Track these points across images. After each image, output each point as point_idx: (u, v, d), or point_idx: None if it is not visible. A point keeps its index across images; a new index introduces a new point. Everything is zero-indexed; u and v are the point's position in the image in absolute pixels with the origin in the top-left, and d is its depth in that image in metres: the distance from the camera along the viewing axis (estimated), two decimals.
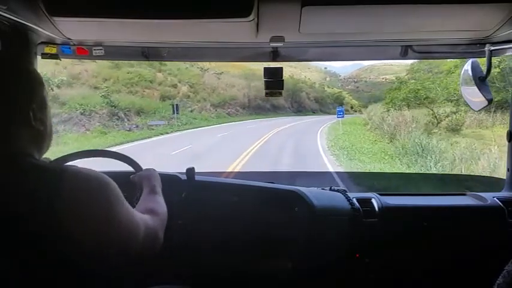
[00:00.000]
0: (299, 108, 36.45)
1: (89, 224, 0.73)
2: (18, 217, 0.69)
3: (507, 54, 1.45)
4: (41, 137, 0.84)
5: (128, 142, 14.26)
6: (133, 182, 1.20)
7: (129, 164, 1.35)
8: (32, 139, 0.81)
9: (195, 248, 1.48)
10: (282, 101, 32.22)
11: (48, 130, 0.86)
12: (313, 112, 38.36)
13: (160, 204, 1.02)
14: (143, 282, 1.24)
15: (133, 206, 0.95)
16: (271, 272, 1.49)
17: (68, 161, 1.29)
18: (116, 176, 1.38)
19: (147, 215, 0.91)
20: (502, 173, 2.21)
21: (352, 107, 42.29)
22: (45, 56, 1.41)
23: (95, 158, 1.38)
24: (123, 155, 1.36)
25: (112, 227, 0.76)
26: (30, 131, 0.80)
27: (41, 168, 0.75)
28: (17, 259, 0.70)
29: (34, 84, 0.83)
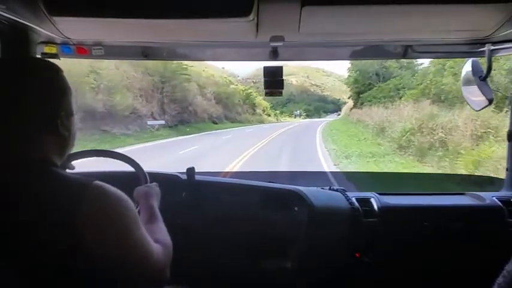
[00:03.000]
0: (182, 118, 17.93)
1: (104, 240, 0.72)
2: (37, 226, 0.69)
3: (507, 53, 1.45)
4: (65, 143, 0.83)
5: None
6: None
7: (131, 165, 1.34)
8: (56, 146, 0.81)
9: (194, 247, 1.48)
10: (138, 104, 15.30)
11: (72, 137, 0.85)
12: (214, 122, 21.14)
13: (165, 234, 0.97)
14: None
15: None
16: (271, 272, 1.49)
17: (72, 160, 1.29)
18: (115, 176, 1.39)
19: (158, 245, 0.87)
20: None
21: (264, 110, 33.82)
22: (45, 55, 1.41)
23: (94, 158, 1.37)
24: (126, 156, 1.35)
25: (126, 247, 0.76)
26: (56, 138, 0.80)
27: (66, 180, 0.74)
28: (28, 268, 0.69)
29: (64, 90, 0.82)
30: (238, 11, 1.03)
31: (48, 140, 0.78)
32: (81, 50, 1.45)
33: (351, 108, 26.35)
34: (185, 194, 1.46)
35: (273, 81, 1.43)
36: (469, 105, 1.49)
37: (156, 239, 0.88)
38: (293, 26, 1.16)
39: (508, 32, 1.23)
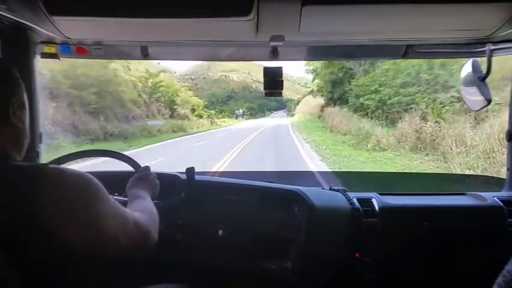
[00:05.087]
0: None
1: (70, 221, 0.72)
2: (2, 219, 0.67)
3: (507, 53, 1.45)
4: (20, 135, 0.83)
5: None
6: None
7: (128, 163, 1.34)
8: (10, 138, 0.80)
9: (194, 247, 1.48)
10: None
11: (26, 129, 0.85)
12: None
13: (144, 205, 1.00)
14: (142, 282, 1.24)
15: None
16: (271, 272, 1.49)
17: (67, 161, 1.29)
18: (115, 176, 1.39)
19: (138, 213, 0.90)
20: None
21: (194, 110, 24.95)
22: (44, 55, 1.41)
23: (94, 158, 1.38)
24: (122, 154, 1.36)
25: (95, 223, 0.75)
26: (10, 130, 0.79)
27: (19, 169, 0.74)
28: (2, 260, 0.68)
29: (12, 82, 0.82)
30: (238, 10, 1.03)
31: (1, 132, 0.78)
32: (81, 50, 1.46)
33: (322, 107, 19.22)
34: (185, 194, 1.46)
35: (273, 81, 1.43)
36: (467, 105, 1.49)
37: (134, 210, 0.91)
38: (293, 26, 1.16)
39: (508, 31, 1.23)
